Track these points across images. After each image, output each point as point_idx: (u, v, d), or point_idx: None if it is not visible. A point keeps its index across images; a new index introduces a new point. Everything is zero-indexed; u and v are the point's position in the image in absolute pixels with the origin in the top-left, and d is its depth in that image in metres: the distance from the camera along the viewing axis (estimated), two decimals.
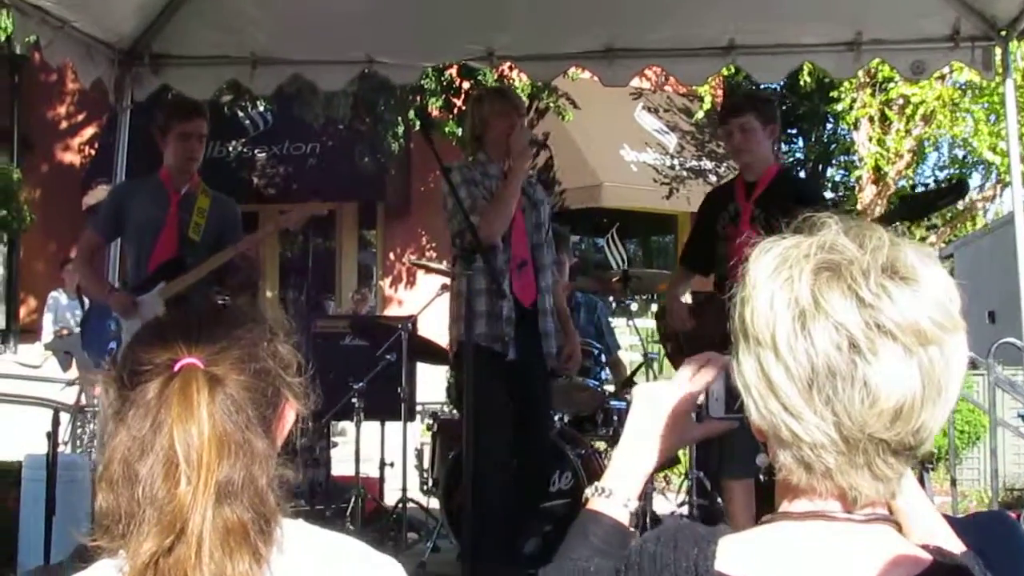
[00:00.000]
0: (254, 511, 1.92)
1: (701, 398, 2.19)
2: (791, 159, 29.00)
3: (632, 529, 2.18)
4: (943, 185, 6.32)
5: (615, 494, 2.17)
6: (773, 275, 1.74)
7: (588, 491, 2.21)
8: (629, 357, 13.05)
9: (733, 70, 9.45)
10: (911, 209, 6.75)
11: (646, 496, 6.43)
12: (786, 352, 1.69)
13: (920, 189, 7.06)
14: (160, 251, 7.28)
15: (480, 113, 7.22)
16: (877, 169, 20.26)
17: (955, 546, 2.05)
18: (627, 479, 2.18)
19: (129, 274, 7.58)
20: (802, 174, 29.24)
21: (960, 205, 21.81)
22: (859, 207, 20.79)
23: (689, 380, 2.19)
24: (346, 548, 2.12)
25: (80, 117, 20.48)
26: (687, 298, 7.64)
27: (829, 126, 26.83)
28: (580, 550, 2.10)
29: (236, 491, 1.91)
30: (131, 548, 1.89)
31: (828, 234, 1.74)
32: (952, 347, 1.70)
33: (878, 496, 1.75)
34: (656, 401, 2.20)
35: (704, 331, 7.01)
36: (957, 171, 22.23)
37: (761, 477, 1.88)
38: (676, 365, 7.61)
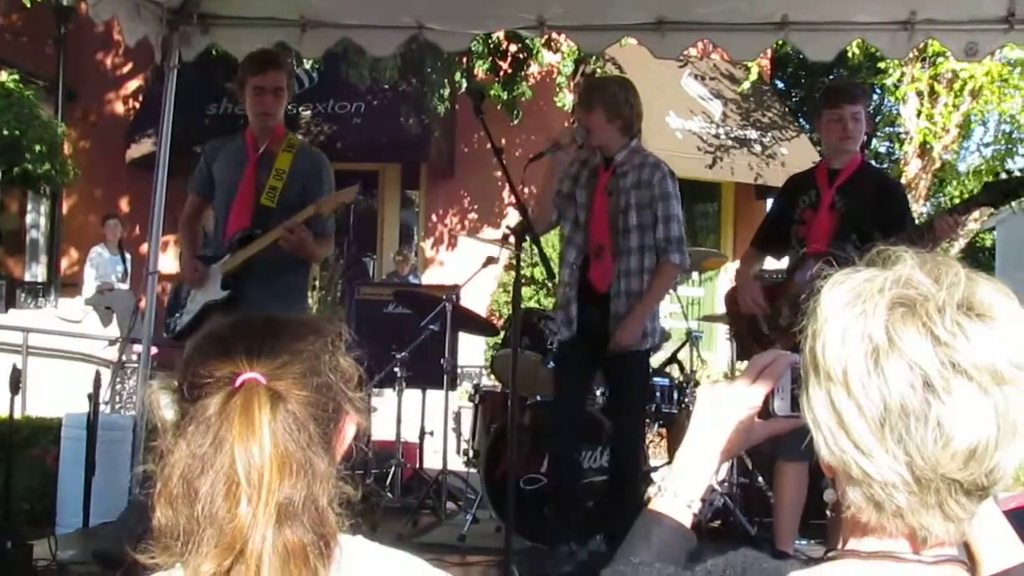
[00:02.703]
0: (314, 532, 1.89)
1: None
2: None
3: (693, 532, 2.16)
4: None
5: (679, 495, 2.14)
6: (846, 309, 1.70)
7: (651, 490, 2.20)
8: (669, 324, 13.03)
9: (783, 44, 9.38)
10: (994, 196, 6.71)
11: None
12: (858, 389, 1.65)
13: (1004, 176, 7.00)
14: (235, 216, 7.05)
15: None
16: (924, 144, 20.13)
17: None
18: (691, 480, 2.15)
19: (211, 239, 7.48)
20: None
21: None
22: (903, 180, 20.67)
23: (753, 381, 2.15)
24: (405, 566, 2.10)
25: (127, 68, 20.51)
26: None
27: (875, 98, 26.68)
28: (642, 552, 2.08)
29: (297, 512, 1.87)
30: (190, 567, 1.86)
31: (903, 268, 1.70)
32: None
33: (948, 537, 1.71)
34: (721, 404, 2.17)
35: (777, 312, 6.99)
36: (1004, 148, 22.02)
37: (828, 513, 1.85)
38: (743, 347, 7.59)
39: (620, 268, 7.13)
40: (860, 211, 6.74)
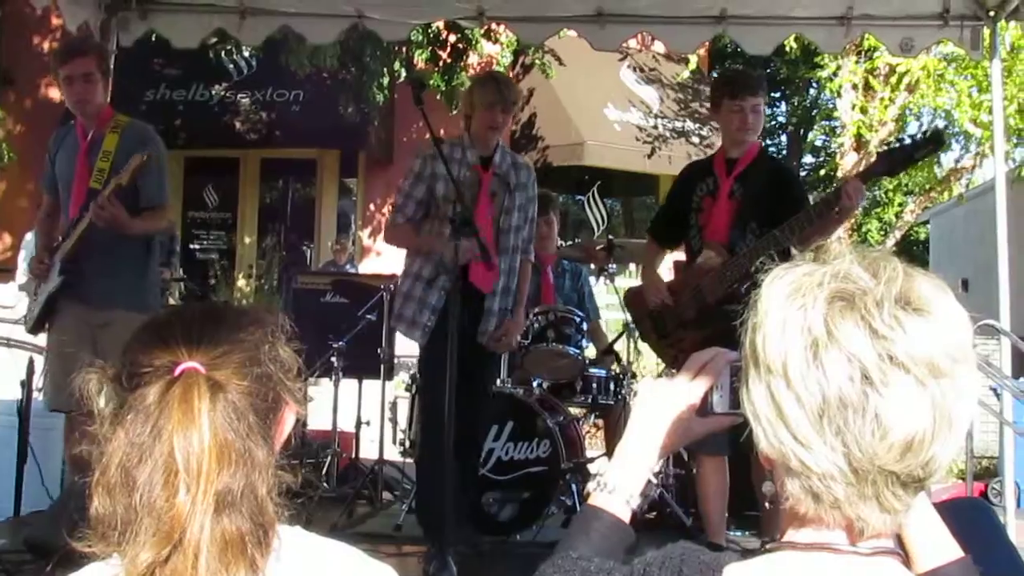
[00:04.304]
0: (252, 521, 1.89)
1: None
2: (773, 123, 29.04)
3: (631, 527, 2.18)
4: (919, 138, 6.43)
5: (618, 490, 2.16)
6: (786, 303, 1.72)
7: (590, 485, 2.20)
8: (607, 316, 13.05)
9: (721, 37, 9.43)
10: (891, 164, 6.78)
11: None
12: (797, 381, 1.68)
13: (896, 144, 7.18)
14: (73, 205, 6.99)
15: (470, 98, 7.30)
16: (859, 136, 20.24)
17: (956, 553, 2.07)
18: (630, 476, 2.17)
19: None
20: (783, 138, 29.34)
21: (939, 174, 21.86)
22: (839, 173, 20.79)
23: (692, 378, 2.17)
24: (342, 555, 2.10)
25: None
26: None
27: (812, 91, 26.87)
28: (581, 547, 2.10)
29: (235, 501, 1.87)
30: (127, 556, 1.86)
31: (842, 263, 1.73)
32: (964, 379, 1.69)
33: (885, 528, 1.74)
34: (661, 402, 2.19)
35: (680, 308, 7.03)
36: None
37: (766, 505, 1.87)
38: (651, 345, 7.62)
39: (501, 267, 7.15)
40: (758, 199, 6.80)
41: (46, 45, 20.06)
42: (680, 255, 7.42)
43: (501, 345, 7.31)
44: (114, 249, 6.90)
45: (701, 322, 6.71)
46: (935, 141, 6.74)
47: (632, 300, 7.53)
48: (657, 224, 7.61)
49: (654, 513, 8.30)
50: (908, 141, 6.71)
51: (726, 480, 6.84)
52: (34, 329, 7.24)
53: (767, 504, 1.86)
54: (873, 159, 8.21)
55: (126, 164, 6.81)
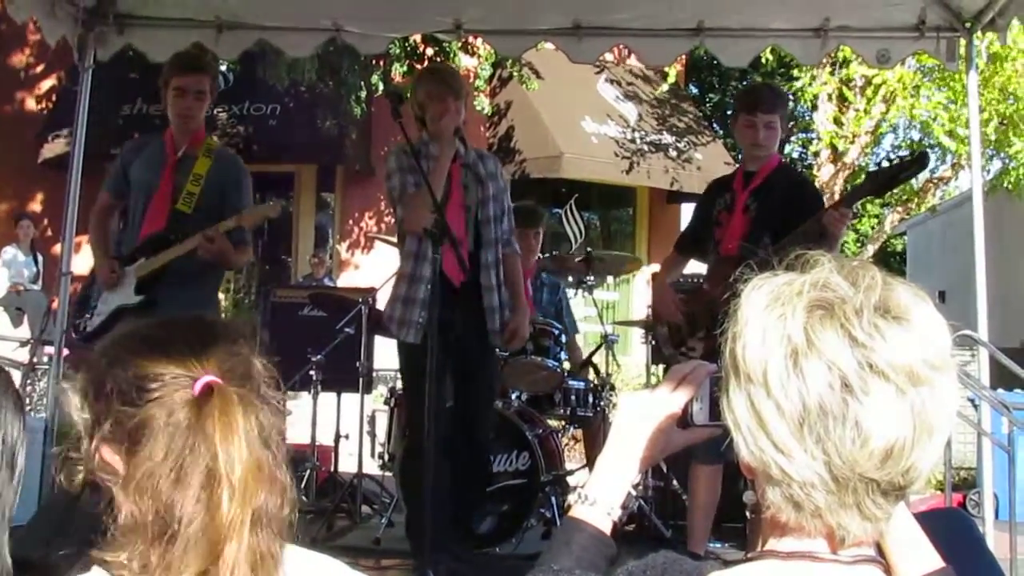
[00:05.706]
0: (278, 539, 1.91)
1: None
2: None
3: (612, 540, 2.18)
4: (905, 158, 6.49)
5: (598, 503, 2.16)
6: (765, 312, 1.73)
7: (571, 498, 2.22)
8: (585, 328, 13.06)
9: (698, 49, 9.41)
10: (877, 184, 6.84)
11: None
12: (777, 390, 1.68)
13: (884, 164, 7.14)
14: (150, 219, 6.93)
15: (417, 96, 7.20)
16: (834, 148, 20.28)
17: (937, 563, 2.06)
18: (610, 488, 2.18)
19: (124, 240, 7.31)
20: None
21: (916, 186, 21.91)
22: (817, 185, 20.83)
23: (673, 390, 2.18)
24: (326, 567, 2.11)
25: (40, 67, 20.25)
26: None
27: (790, 104, 26.91)
28: (563, 560, 2.11)
29: (268, 519, 1.88)
30: (159, 569, 1.85)
31: (821, 272, 1.73)
32: (943, 387, 1.70)
33: (866, 536, 1.74)
34: (641, 413, 2.19)
35: (694, 319, 7.06)
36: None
37: (748, 515, 1.87)
38: (668, 353, 7.64)
39: (487, 260, 7.05)
40: (772, 213, 6.82)
41: (22, 60, 20.01)
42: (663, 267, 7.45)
43: (515, 343, 7.23)
44: (192, 282, 6.86)
45: (716, 333, 6.68)
46: (919, 162, 6.78)
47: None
48: (681, 238, 7.68)
49: (633, 525, 8.31)
50: (895, 160, 6.73)
51: (718, 490, 6.85)
52: (91, 337, 7.12)
53: (749, 515, 1.87)
54: (850, 182, 8.27)
55: (255, 208, 6.97)
